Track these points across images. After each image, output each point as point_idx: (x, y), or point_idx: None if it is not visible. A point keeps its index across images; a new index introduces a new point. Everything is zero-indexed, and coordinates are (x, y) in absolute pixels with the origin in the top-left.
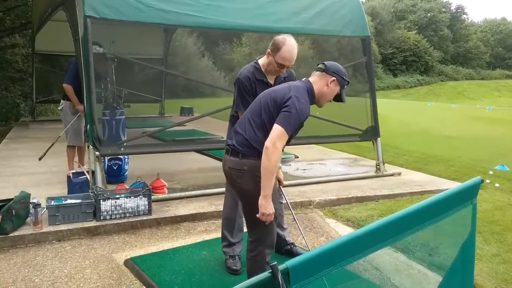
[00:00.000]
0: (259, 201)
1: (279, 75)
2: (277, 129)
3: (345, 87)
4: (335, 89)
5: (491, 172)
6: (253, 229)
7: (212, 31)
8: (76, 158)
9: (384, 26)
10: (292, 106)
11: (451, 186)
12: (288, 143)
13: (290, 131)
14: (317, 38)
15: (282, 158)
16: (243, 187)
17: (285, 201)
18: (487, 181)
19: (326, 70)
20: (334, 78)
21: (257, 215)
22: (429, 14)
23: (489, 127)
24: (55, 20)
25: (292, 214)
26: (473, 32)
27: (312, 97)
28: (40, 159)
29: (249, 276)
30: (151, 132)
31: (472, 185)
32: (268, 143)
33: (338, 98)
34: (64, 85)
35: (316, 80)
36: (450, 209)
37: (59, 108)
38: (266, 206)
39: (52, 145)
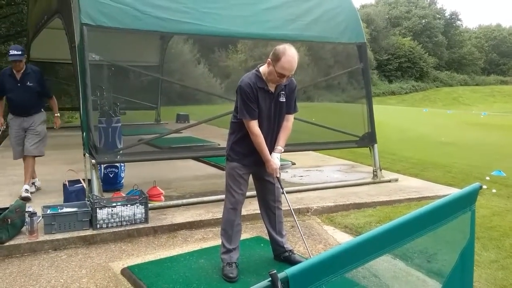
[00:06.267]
0: None
1: (280, 83)
2: None
3: None
4: None
5: (487, 178)
6: None
7: (208, 38)
8: (72, 167)
9: (379, 33)
10: None
11: (448, 192)
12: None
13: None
14: (313, 45)
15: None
16: None
17: (288, 208)
18: (484, 187)
19: None
20: None
21: None
22: (423, 21)
23: (485, 133)
24: (51, 28)
25: (295, 220)
26: (467, 38)
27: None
28: None
29: None
30: (148, 139)
31: (470, 191)
32: None
33: None
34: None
35: None
36: (449, 216)
37: None
38: None
39: None
